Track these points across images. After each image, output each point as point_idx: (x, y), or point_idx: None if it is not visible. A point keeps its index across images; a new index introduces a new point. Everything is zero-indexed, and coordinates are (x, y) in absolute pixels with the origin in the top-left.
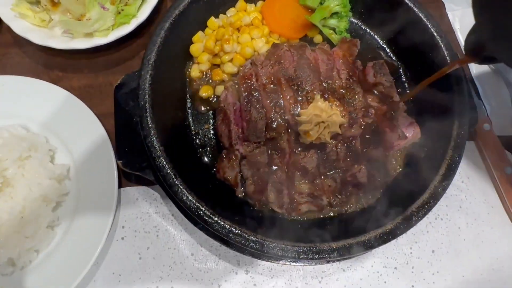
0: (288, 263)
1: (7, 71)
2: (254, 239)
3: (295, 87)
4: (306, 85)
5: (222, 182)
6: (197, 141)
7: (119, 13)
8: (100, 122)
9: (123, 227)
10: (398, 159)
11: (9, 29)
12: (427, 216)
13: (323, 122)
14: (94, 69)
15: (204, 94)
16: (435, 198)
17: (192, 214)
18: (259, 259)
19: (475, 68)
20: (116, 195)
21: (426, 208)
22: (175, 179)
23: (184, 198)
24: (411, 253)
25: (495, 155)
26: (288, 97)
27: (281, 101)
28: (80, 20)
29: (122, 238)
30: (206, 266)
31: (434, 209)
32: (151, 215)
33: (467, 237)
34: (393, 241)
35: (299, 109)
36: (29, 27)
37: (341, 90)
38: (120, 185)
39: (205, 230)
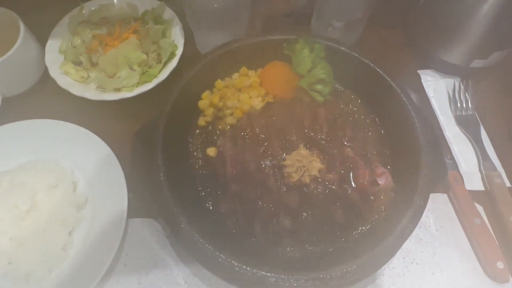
0: None
1: (47, 116)
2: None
3: (282, 137)
4: (292, 136)
5: (218, 218)
6: (201, 183)
7: (144, 73)
8: (118, 161)
9: (126, 254)
10: (377, 208)
11: (52, 82)
12: (403, 258)
13: (303, 166)
14: (118, 118)
15: (209, 154)
16: (401, 238)
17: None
18: None
19: (448, 131)
20: (124, 224)
21: (394, 248)
22: (180, 217)
23: (195, 240)
24: None
25: (466, 207)
26: (276, 145)
27: (270, 148)
28: (111, 78)
29: (125, 265)
30: None
31: (411, 254)
32: (153, 244)
33: (441, 282)
34: (371, 283)
35: (284, 155)
36: (70, 82)
37: (322, 142)
38: (130, 216)
39: (200, 262)
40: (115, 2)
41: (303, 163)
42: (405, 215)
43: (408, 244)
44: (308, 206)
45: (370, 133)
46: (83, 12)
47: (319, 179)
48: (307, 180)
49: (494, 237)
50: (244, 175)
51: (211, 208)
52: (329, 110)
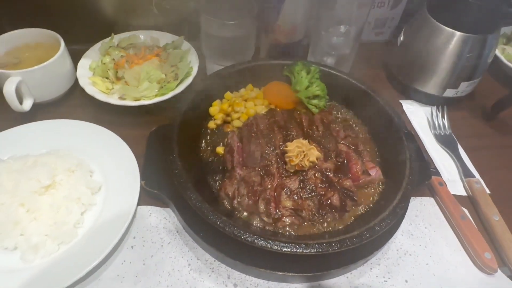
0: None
1: (77, 118)
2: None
3: (284, 132)
4: (292, 131)
5: (225, 199)
6: (209, 172)
7: (162, 87)
8: (135, 158)
9: (134, 237)
10: (370, 196)
11: (79, 94)
12: (397, 250)
13: (303, 151)
14: (137, 122)
15: (219, 151)
16: (393, 215)
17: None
18: (248, 274)
19: (429, 147)
20: (133, 211)
21: (387, 222)
22: (191, 195)
23: (203, 215)
24: (385, 281)
25: (451, 206)
26: (279, 138)
27: (273, 140)
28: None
29: (132, 247)
30: (200, 276)
31: (403, 247)
32: (159, 229)
33: (436, 273)
34: (368, 271)
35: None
36: (97, 91)
37: (318, 138)
38: (139, 204)
39: (206, 243)
40: (141, 37)
41: (303, 149)
42: (396, 197)
43: (400, 238)
44: (307, 189)
45: (361, 135)
46: (113, 40)
47: (317, 167)
48: (306, 164)
49: (479, 233)
50: (249, 162)
51: (218, 191)
52: (324, 116)
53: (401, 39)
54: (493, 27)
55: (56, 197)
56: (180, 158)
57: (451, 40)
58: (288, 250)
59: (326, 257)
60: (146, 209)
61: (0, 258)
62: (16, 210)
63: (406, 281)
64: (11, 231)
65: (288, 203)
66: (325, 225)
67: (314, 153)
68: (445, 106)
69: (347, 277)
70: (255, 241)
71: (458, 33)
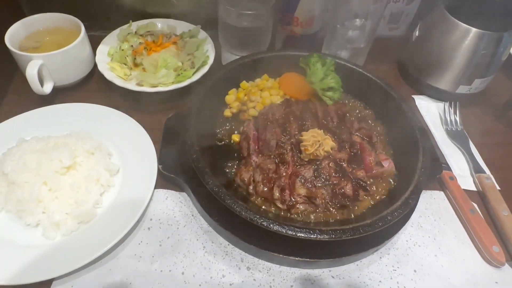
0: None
1: (95, 102)
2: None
3: (299, 122)
4: (308, 121)
5: (240, 185)
6: (225, 159)
7: (179, 75)
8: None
9: (151, 219)
10: (382, 188)
11: (97, 79)
12: (406, 241)
13: (318, 141)
14: (154, 109)
15: (234, 139)
16: (405, 205)
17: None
18: (261, 258)
19: (441, 142)
20: (151, 194)
21: (399, 212)
22: (210, 180)
23: (219, 199)
24: (394, 270)
25: (461, 200)
26: (294, 127)
27: (289, 129)
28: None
29: (149, 228)
30: (214, 258)
31: (413, 238)
32: (175, 212)
33: (445, 264)
34: (377, 260)
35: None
36: (115, 76)
37: (333, 129)
38: (156, 188)
39: (221, 227)
40: (159, 25)
41: (318, 139)
42: (408, 188)
43: (410, 230)
44: (321, 178)
45: (374, 127)
46: (131, 27)
47: (331, 156)
48: (321, 153)
49: (488, 227)
50: (264, 150)
51: (234, 177)
52: (339, 108)
53: (416, 34)
54: (508, 25)
55: (76, 178)
56: (197, 143)
57: (467, 37)
58: (303, 235)
59: (338, 244)
60: (162, 193)
61: (23, 234)
62: (40, 189)
63: (415, 271)
64: (34, 209)
65: (302, 191)
66: (338, 212)
67: (328, 143)
68: (457, 102)
69: (357, 265)
70: (271, 225)
71: (473, 30)
